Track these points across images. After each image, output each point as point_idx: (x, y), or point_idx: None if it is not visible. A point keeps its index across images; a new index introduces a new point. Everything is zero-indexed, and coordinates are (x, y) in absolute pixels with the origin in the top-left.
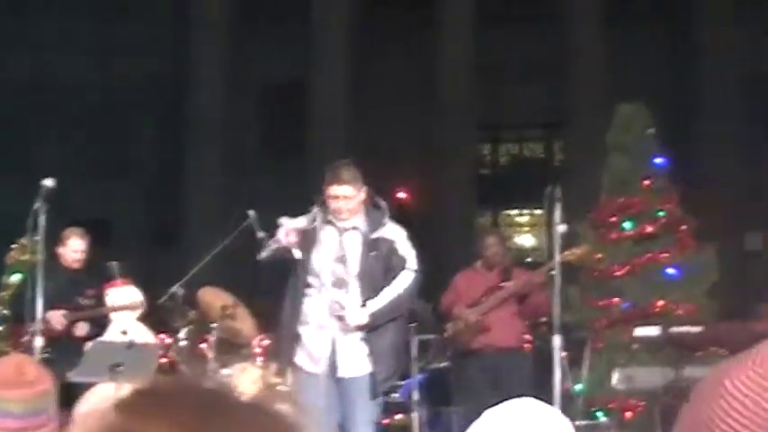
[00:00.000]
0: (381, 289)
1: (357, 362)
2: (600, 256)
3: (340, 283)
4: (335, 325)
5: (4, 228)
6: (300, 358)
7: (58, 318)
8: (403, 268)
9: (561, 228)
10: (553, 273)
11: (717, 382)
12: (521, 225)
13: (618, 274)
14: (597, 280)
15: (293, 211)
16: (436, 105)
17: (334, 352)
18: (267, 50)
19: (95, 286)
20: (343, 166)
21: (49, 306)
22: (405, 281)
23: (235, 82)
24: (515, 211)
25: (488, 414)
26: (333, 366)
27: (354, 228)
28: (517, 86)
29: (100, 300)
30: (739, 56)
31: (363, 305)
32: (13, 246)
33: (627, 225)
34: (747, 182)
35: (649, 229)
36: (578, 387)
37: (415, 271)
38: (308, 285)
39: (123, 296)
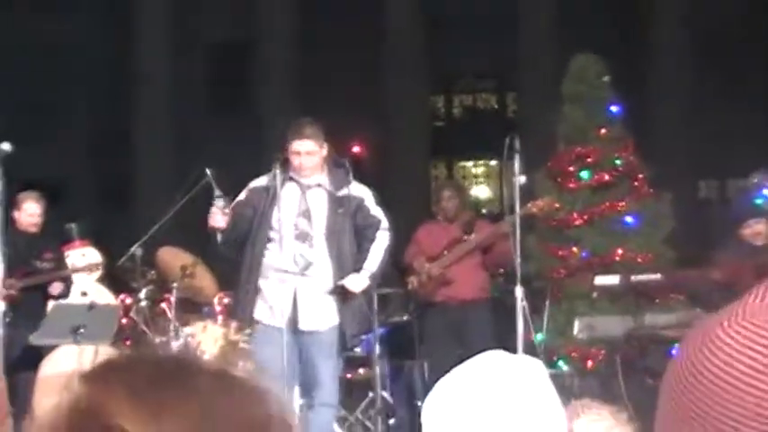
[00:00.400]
0: (348, 246)
1: (321, 315)
2: (558, 205)
3: (303, 237)
4: (296, 279)
5: None
6: (261, 312)
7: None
8: (377, 228)
9: (521, 179)
10: (515, 224)
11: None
12: (475, 176)
13: (576, 223)
14: (555, 229)
15: (244, 166)
16: (388, 58)
17: (295, 305)
18: (211, 7)
19: (53, 248)
20: (305, 123)
21: (8, 272)
22: (384, 240)
23: (180, 39)
24: (470, 163)
25: (459, 369)
26: (294, 320)
27: (318, 185)
28: (470, 37)
29: (59, 262)
30: (691, 2)
31: (359, 270)
32: None
33: (584, 174)
34: (701, 130)
35: (606, 177)
36: (539, 337)
37: (389, 230)
38: (269, 240)
39: (82, 257)
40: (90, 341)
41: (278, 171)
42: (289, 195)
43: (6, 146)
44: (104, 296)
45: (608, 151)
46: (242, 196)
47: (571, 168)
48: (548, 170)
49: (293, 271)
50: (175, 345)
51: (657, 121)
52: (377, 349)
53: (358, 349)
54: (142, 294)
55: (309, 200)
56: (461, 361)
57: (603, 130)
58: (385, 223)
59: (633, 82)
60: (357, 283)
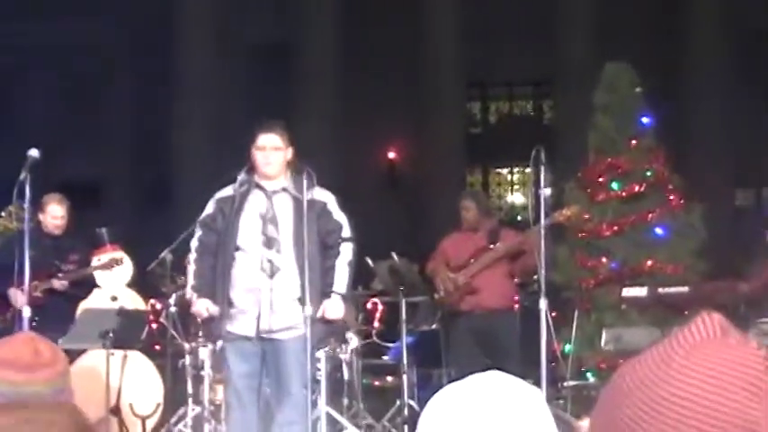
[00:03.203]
0: (313, 250)
1: (288, 323)
2: (588, 215)
3: (270, 243)
4: (265, 286)
5: None
6: (229, 322)
7: (20, 298)
8: (339, 234)
9: (547, 190)
10: (541, 234)
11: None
12: (511, 183)
13: (606, 233)
14: (585, 240)
15: None
16: (425, 64)
17: (260, 314)
18: (255, 10)
19: (80, 251)
20: (273, 121)
21: (33, 275)
22: (348, 254)
23: (221, 41)
24: (505, 170)
25: (450, 389)
26: (260, 328)
27: (284, 189)
28: (507, 44)
29: (85, 265)
30: (727, 13)
31: (328, 294)
32: (0, 214)
33: (614, 185)
34: (738, 138)
35: (637, 188)
36: (567, 347)
37: (352, 239)
38: (237, 248)
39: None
40: (119, 345)
41: (245, 181)
42: (255, 202)
43: (34, 152)
44: (134, 301)
45: (639, 162)
46: (209, 209)
47: (601, 179)
48: (578, 180)
49: (261, 277)
50: (205, 350)
51: (694, 129)
52: (405, 357)
53: (386, 357)
54: (172, 299)
55: (275, 205)
56: (487, 370)
57: (635, 141)
58: (347, 230)
59: (669, 90)
60: (335, 309)
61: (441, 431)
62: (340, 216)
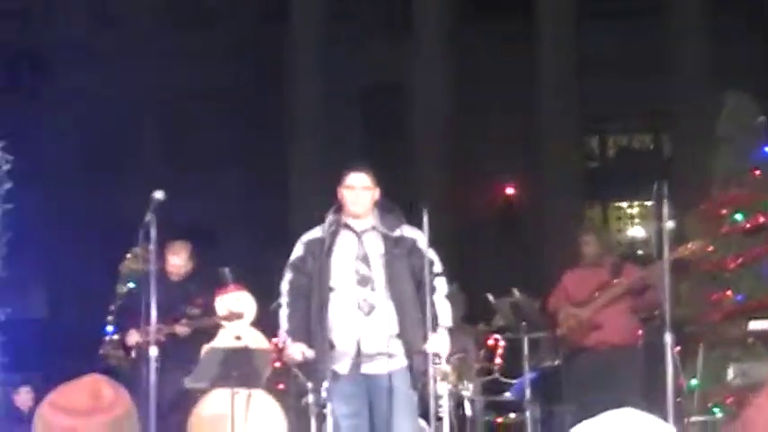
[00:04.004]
0: (407, 287)
1: (388, 359)
2: (711, 249)
3: (365, 281)
4: (362, 324)
5: (118, 238)
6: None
7: (134, 335)
8: (431, 270)
9: (670, 224)
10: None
11: None
12: (631, 217)
13: (730, 266)
14: (709, 273)
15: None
16: (540, 98)
17: (359, 353)
18: (366, 50)
19: (204, 294)
20: (361, 162)
21: (159, 318)
22: (444, 287)
23: (332, 85)
24: (625, 204)
25: (585, 427)
26: (359, 365)
27: (373, 227)
28: (623, 76)
29: (209, 308)
30: None
31: (434, 330)
32: (127, 255)
33: (738, 217)
34: None
35: (762, 219)
36: (693, 383)
37: (444, 274)
38: (331, 289)
39: (236, 302)
40: (243, 385)
41: (333, 222)
42: (345, 242)
43: (160, 194)
44: (257, 340)
45: (763, 193)
46: (298, 251)
47: (724, 211)
48: (700, 213)
49: (358, 316)
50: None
51: None
52: (527, 394)
53: (508, 394)
54: (280, 343)
55: (366, 244)
56: (610, 406)
57: (758, 171)
58: (439, 266)
59: None
60: (443, 343)
61: None
62: (431, 253)
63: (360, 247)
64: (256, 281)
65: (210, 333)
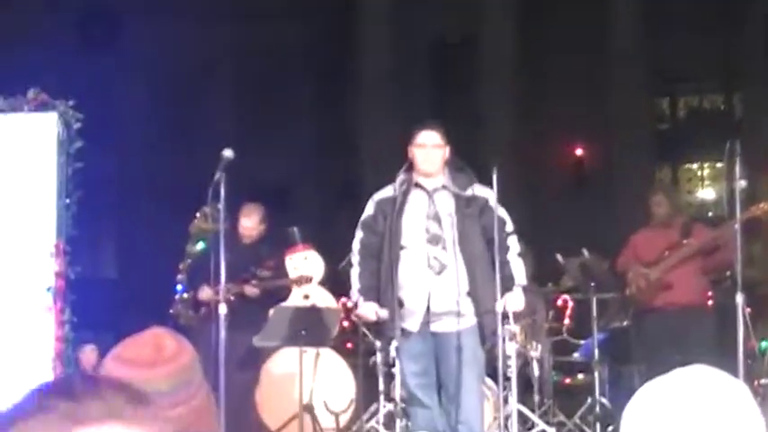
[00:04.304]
0: (478, 246)
1: (459, 317)
2: None
3: (436, 240)
4: (433, 282)
5: (188, 197)
6: (400, 321)
7: (206, 291)
8: (503, 229)
9: (742, 183)
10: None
11: None
12: (701, 179)
13: None
14: None
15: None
16: (611, 60)
17: (429, 311)
18: (435, 7)
19: (275, 256)
20: (432, 120)
21: (229, 278)
22: (516, 246)
23: (403, 40)
24: (695, 165)
25: (654, 384)
26: (428, 323)
27: (444, 187)
28: (694, 37)
29: (280, 270)
30: None
31: (510, 287)
32: (196, 215)
33: None
34: None
35: None
36: (764, 344)
37: (516, 233)
38: (402, 248)
39: (304, 261)
40: (311, 344)
41: (402, 177)
42: (416, 201)
43: (229, 152)
44: (326, 299)
45: None
46: (370, 210)
47: None
48: None
49: (429, 275)
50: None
51: None
52: (596, 354)
53: (577, 354)
54: (350, 304)
55: (437, 203)
56: (679, 367)
57: None
58: (510, 225)
59: None
60: (518, 301)
61: (647, 425)
62: (502, 212)
63: (431, 206)
64: (326, 239)
65: (281, 296)
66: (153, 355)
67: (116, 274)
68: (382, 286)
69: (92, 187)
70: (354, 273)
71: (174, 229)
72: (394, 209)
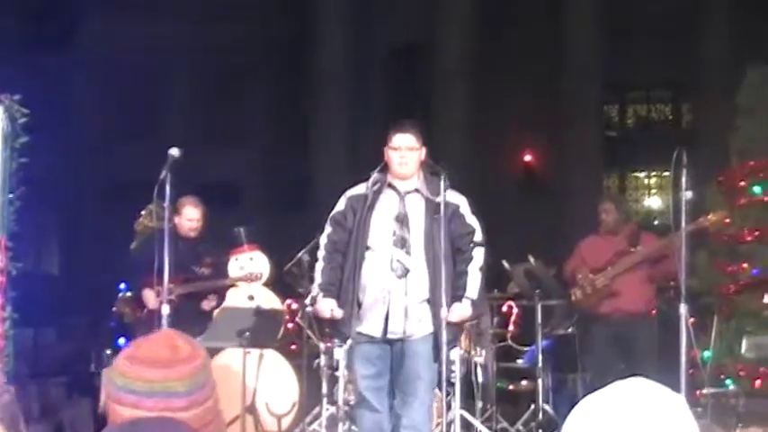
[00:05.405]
0: (443, 252)
1: (415, 323)
2: (729, 221)
3: (401, 243)
4: (394, 286)
5: (135, 195)
6: (357, 322)
7: (152, 298)
8: (471, 238)
9: (688, 194)
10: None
11: None
12: (648, 187)
13: (747, 239)
14: (726, 245)
15: None
16: (562, 67)
17: (388, 315)
18: (391, 11)
19: (215, 254)
20: (408, 121)
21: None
22: (480, 259)
23: (359, 44)
24: (643, 174)
25: (593, 397)
26: (387, 329)
27: (416, 190)
28: (645, 46)
29: (219, 268)
30: None
31: (459, 298)
32: (141, 213)
33: (756, 189)
34: None
35: None
36: (706, 354)
37: (483, 244)
38: (367, 248)
39: (250, 261)
40: (255, 345)
41: (376, 176)
42: (387, 202)
43: (175, 151)
44: (271, 301)
45: None
46: (341, 206)
47: (742, 183)
48: (718, 184)
49: (390, 278)
50: (340, 350)
51: None
52: (540, 361)
53: (521, 361)
54: (308, 300)
55: (408, 206)
56: (623, 375)
57: None
58: (479, 235)
59: None
60: (461, 313)
61: None
62: (472, 220)
63: (401, 209)
64: (273, 240)
65: (221, 293)
66: (169, 356)
67: (58, 270)
68: (343, 284)
69: (36, 183)
70: (318, 267)
71: (119, 226)
72: (364, 207)
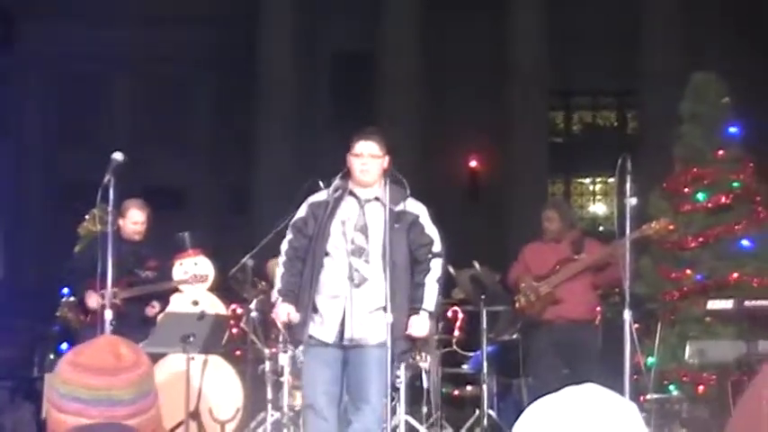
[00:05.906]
0: (402, 262)
1: (370, 331)
2: (673, 227)
3: (359, 252)
4: (350, 294)
5: (79, 199)
6: (313, 327)
7: (94, 299)
8: (430, 249)
9: (632, 201)
10: (626, 246)
11: None
12: (593, 194)
13: (691, 245)
14: (670, 252)
15: None
16: (508, 73)
17: (343, 322)
18: (337, 18)
19: (158, 258)
20: (371, 128)
21: (113, 281)
22: (438, 270)
23: (304, 50)
24: (587, 180)
25: (545, 402)
26: (342, 335)
27: (376, 198)
28: (591, 53)
29: (163, 271)
30: None
31: (417, 310)
32: (85, 216)
33: (700, 196)
34: None
35: (723, 199)
36: (650, 360)
37: (442, 255)
38: (326, 254)
39: (194, 266)
40: (200, 350)
41: (337, 183)
42: (347, 209)
43: (119, 155)
44: (215, 306)
45: (725, 173)
46: (302, 212)
47: (687, 189)
48: (663, 191)
49: (347, 285)
50: (285, 356)
51: None
52: (485, 367)
53: (466, 366)
54: (253, 305)
55: (367, 214)
56: (567, 381)
57: (721, 152)
58: (438, 245)
59: (755, 103)
60: (422, 326)
61: None
62: (432, 230)
63: (360, 217)
64: (218, 245)
65: (165, 297)
66: (114, 363)
67: (2, 274)
68: (301, 289)
69: None
70: (278, 273)
71: (64, 229)
72: (325, 213)
